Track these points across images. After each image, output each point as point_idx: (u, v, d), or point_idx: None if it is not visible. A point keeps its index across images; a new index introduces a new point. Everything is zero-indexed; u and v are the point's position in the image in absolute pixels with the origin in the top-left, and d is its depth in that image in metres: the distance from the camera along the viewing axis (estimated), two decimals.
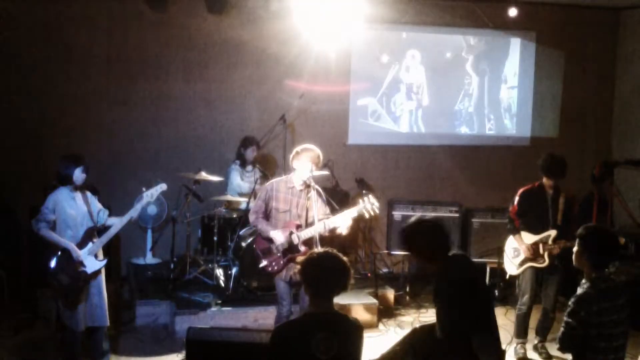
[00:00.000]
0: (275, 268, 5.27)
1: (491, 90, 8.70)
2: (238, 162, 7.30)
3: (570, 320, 3.63)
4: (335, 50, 7.67)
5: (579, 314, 3.60)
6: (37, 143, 7.19)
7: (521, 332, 5.92)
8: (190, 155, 7.71)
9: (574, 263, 3.87)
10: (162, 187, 5.16)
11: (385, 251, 7.82)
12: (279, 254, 5.24)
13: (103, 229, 5.05)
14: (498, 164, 8.70)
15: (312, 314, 3.34)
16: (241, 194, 7.16)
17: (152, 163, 7.56)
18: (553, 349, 5.59)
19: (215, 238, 6.79)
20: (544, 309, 5.95)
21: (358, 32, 7.84)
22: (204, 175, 6.84)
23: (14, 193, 7.11)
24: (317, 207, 5.16)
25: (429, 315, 6.66)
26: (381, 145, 8.42)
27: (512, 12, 7.94)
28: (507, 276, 6.25)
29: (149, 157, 7.65)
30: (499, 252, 6.47)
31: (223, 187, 7.25)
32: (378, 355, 3.18)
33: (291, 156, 5.29)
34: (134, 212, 5.02)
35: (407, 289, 7.34)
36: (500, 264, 6.44)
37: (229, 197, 7.04)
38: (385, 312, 6.88)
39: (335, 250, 3.43)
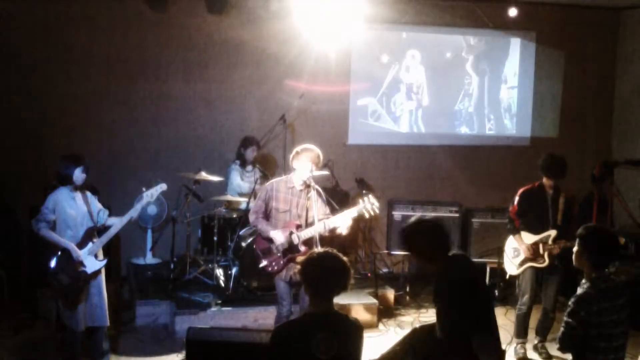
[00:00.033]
0: (275, 268, 5.27)
1: (491, 90, 8.70)
2: (238, 162, 7.31)
3: (570, 320, 3.63)
4: (335, 50, 7.66)
5: (579, 314, 3.60)
6: (37, 143, 7.19)
7: (521, 332, 5.92)
8: (190, 155, 7.71)
9: (574, 263, 3.87)
10: (162, 187, 5.16)
11: (385, 251, 7.82)
12: (279, 254, 5.25)
13: (103, 229, 5.05)
14: (498, 164, 8.70)
15: (312, 314, 3.34)
16: (241, 194, 7.17)
17: (152, 163, 7.56)
18: (553, 349, 5.59)
19: (215, 238, 6.79)
20: (544, 309, 5.95)
21: (358, 32, 7.84)
22: (204, 175, 6.84)
23: (14, 193, 7.11)
24: (317, 207, 5.16)
25: (429, 315, 6.66)
26: (381, 145, 8.42)
27: (512, 12, 7.94)
28: (507, 276, 6.25)
29: (149, 157, 7.65)
30: (499, 252, 6.47)
31: (223, 187, 7.25)
32: (378, 355, 3.18)
33: (291, 156, 5.29)
34: (134, 212, 5.02)
35: (407, 289, 7.34)
36: (500, 264, 6.44)
37: (229, 197, 7.04)
38: (385, 312, 6.88)
39: (335, 250, 3.43)
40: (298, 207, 5.27)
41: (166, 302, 6.47)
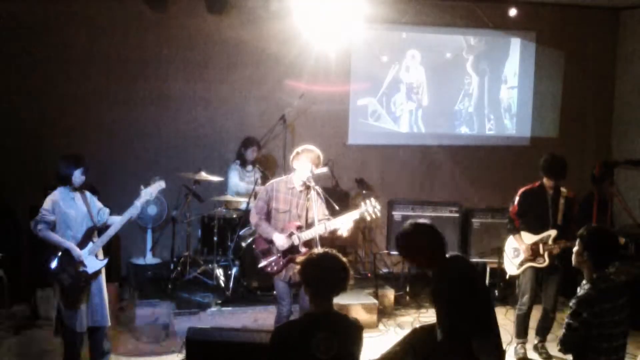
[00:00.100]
0: (275, 268, 5.27)
1: (491, 90, 8.70)
2: (238, 162, 7.31)
3: (571, 321, 3.63)
4: (335, 50, 7.66)
5: (580, 315, 3.59)
6: (37, 143, 7.19)
7: (521, 332, 5.92)
8: (190, 155, 7.71)
9: (573, 263, 3.87)
10: (161, 184, 5.15)
11: (385, 251, 7.82)
12: (278, 255, 5.24)
13: (104, 229, 5.04)
14: (498, 164, 8.70)
15: (312, 314, 3.34)
16: (238, 194, 7.16)
17: (152, 163, 7.56)
18: (553, 349, 5.59)
19: (215, 238, 6.79)
20: (544, 309, 5.95)
21: (358, 32, 7.83)
22: (204, 175, 6.84)
23: (14, 193, 7.11)
24: (317, 207, 5.16)
25: (429, 315, 6.66)
26: (381, 145, 8.42)
27: (512, 12, 7.94)
28: (507, 276, 6.25)
29: (149, 157, 7.65)
30: (499, 252, 6.47)
31: (223, 187, 7.25)
32: (378, 355, 3.18)
33: (291, 157, 5.29)
34: (133, 210, 5.00)
35: (407, 289, 7.34)
36: (500, 264, 6.44)
37: (228, 197, 7.04)
38: (385, 312, 6.88)
39: (335, 251, 3.43)
40: (298, 207, 5.27)
41: (166, 302, 6.46)
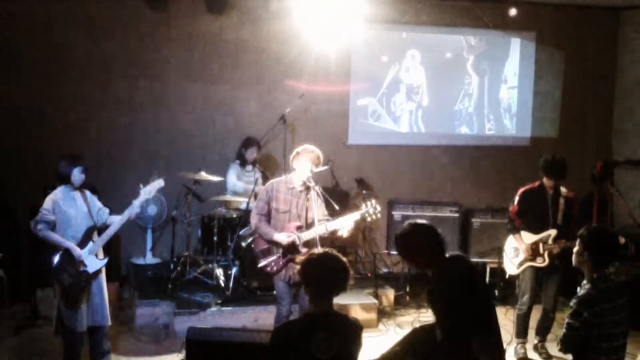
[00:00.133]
0: (275, 268, 5.27)
1: (491, 90, 8.70)
2: (238, 161, 7.31)
3: (572, 321, 3.63)
4: (335, 50, 7.66)
5: (581, 315, 3.59)
6: (37, 143, 7.19)
7: (521, 332, 5.92)
8: (190, 155, 7.71)
9: (574, 263, 3.87)
10: (160, 182, 5.14)
11: (385, 251, 7.82)
12: (278, 254, 5.24)
13: (103, 228, 5.04)
14: (498, 164, 8.70)
15: (312, 314, 3.34)
16: (235, 193, 7.16)
17: (152, 163, 7.55)
18: (553, 349, 5.59)
19: (215, 238, 6.79)
20: (544, 309, 5.95)
21: (358, 32, 7.84)
22: (204, 175, 6.84)
23: (14, 193, 7.11)
24: (316, 208, 5.16)
25: (429, 315, 6.66)
26: (381, 145, 8.42)
27: (512, 12, 7.94)
28: (507, 276, 6.25)
29: (149, 157, 7.65)
30: (499, 252, 6.46)
31: (223, 187, 7.25)
32: (378, 355, 3.18)
33: (291, 156, 5.29)
34: (132, 209, 5.00)
35: (407, 289, 7.34)
36: (500, 264, 6.44)
37: (228, 197, 7.04)
38: (385, 312, 6.89)
39: (334, 251, 3.43)
40: (298, 207, 5.27)
41: (166, 302, 6.46)
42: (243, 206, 6.93)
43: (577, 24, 8.76)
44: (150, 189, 5.08)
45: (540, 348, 5.95)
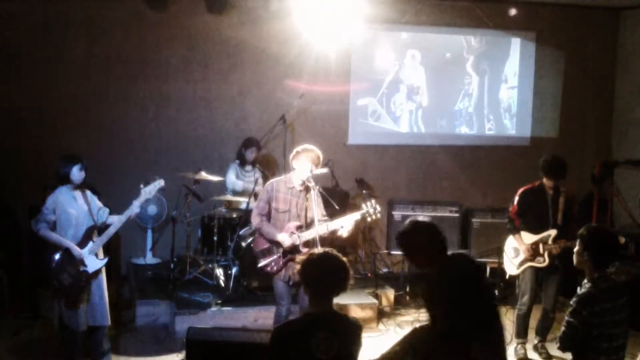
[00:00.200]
0: (275, 268, 5.27)
1: (491, 90, 8.70)
2: (238, 161, 7.31)
3: (572, 320, 3.63)
4: (335, 50, 7.67)
5: (581, 313, 3.59)
6: (37, 143, 7.19)
7: (521, 332, 5.92)
8: (190, 155, 7.72)
9: (574, 263, 3.87)
10: (160, 183, 5.14)
11: (385, 251, 7.82)
12: (278, 254, 5.24)
13: (104, 228, 5.05)
14: (498, 164, 8.70)
15: (312, 314, 3.34)
16: (235, 192, 7.17)
17: (152, 163, 7.56)
18: (553, 349, 5.59)
19: (215, 238, 6.79)
20: (544, 309, 5.94)
21: (358, 32, 7.84)
22: (204, 175, 6.84)
23: (14, 193, 7.11)
24: (316, 207, 5.16)
25: None
26: (381, 145, 8.42)
27: (512, 12, 7.94)
28: (507, 276, 6.25)
29: (149, 157, 7.65)
30: (499, 252, 6.46)
31: (223, 187, 7.25)
32: (378, 355, 3.17)
33: (291, 156, 5.29)
34: (133, 209, 5.00)
35: (407, 289, 7.34)
36: (500, 264, 6.43)
37: (228, 197, 7.04)
38: (385, 312, 6.88)
39: (334, 251, 3.43)
40: (297, 207, 5.27)
41: (166, 302, 6.47)
42: (243, 206, 6.93)
43: (577, 24, 8.76)
44: (150, 189, 5.08)
45: (540, 348, 5.95)
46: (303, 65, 7.78)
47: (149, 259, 7.50)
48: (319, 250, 3.60)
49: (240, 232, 6.71)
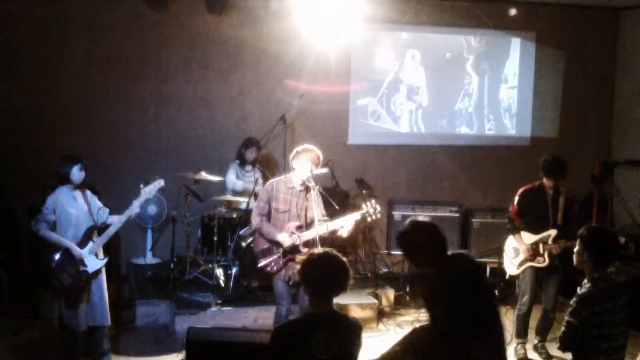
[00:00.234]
0: (275, 268, 5.27)
1: (491, 90, 8.70)
2: (237, 161, 7.31)
3: (571, 319, 3.63)
4: (335, 50, 7.67)
5: (581, 313, 3.59)
6: (37, 143, 7.19)
7: (521, 332, 5.92)
8: (190, 155, 7.72)
9: (574, 263, 3.87)
10: (160, 183, 5.14)
11: (385, 251, 7.82)
12: (278, 254, 5.24)
13: (104, 228, 5.05)
14: (498, 164, 8.70)
15: (312, 314, 3.34)
16: (234, 192, 7.17)
17: (152, 163, 7.56)
18: (553, 349, 5.59)
19: (215, 238, 6.79)
20: (544, 309, 5.94)
21: (358, 32, 7.84)
22: (204, 175, 6.84)
23: (14, 193, 7.11)
24: (316, 207, 5.16)
25: None
26: (381, 145, 8.42)
27: (512, 12, 7.94)
28: (507, 276, 6.25)
29: (149, 157, 7.65)
30: (499, 252, 6.46)
31: (223, 187, 7.25)
32: (378, 355, 3.17)
33: (291, 156, 5.29)
34: (133, 209, 5.00)
35: (407, 289, 7.34)
36: (500, 264, 6.43)
37: (229, 197, 7.04)
38: (385, 312, 6.88)
39: (334, 251, 3.43)
40: (297, 207, 5.27)
41: (166, 302, 6.47)
42: (243, 206, 6.93)
43: (577, 24, 8.76)
44: (150, 189, 5.08)
45: (540, 348, 5.95)
46: (303, 65, 7.78)
47: (149, 259, 7.50)
48: (319, 250, 3.59)
49: (240, 232, 6.71)
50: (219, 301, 6.40)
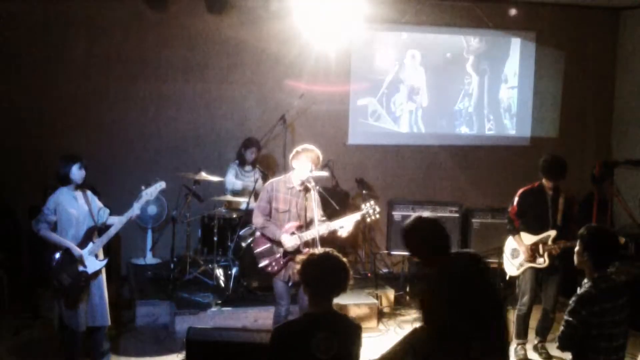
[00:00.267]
0: (275, 268, 5.27)
1: (491, 90, 8.70)
2: (237, 161, 7.31)
3: (571, 319, 3.63)
4: (335, 50, 7.66)
5: (580, 313, 3.60)
6: (37, 143, 7.19)
7: (521, 333, 5.92)
8: (190, 155, 7.72)
9: (575, 263, 3.87)
10: (161, 185, 5.15)
11: (385, 251, 7.82)
12: (278, 254, 5.24)
13: (104, 228, 5.05)
14: (498, 164, 8.70)
15: (312, 314, 3.34)
16: (234, 191, 7.17)
17: (152, 163, 7.56)
18: (553, 349, 5.59)
19: (215, 238, 6.79)
20: (544, 309, 5.94)
21: (358, 32, 7.84)
22: (204, 175, 6.84)
23: (14, 193, 7.12)
24: (316, 207, 5.16)
25: None
26: (381, 145, 8.42)
27: (512, 12, 7.93)
28: (507, 277, 6.25)
29: (149, 157, 7.65)
30: (499, 252, 6.46)
31: (223, 187, 7.25)
32: (378, 355, 3.17)
33: (291, 156, 5.29)
34: (133, 211, 5.01)
35: (407, 289, 7.34)
36: (500, 264, 6.43)
37: (229, 197, 7.04)
38: (385, 312, 6.88)
39: (334, 251, 3.43)
40: (297, 207, 5.27)
41: (166, 302, 6.47)
42: (243, 206, 6.93)
43: (577, 24, 8.75)
44: (151, 191, 5.09)
45: (540, 348, 5.95)
46: (303, 65, 7.78)
47: (149, 259, 7.49)
48: (319, 250, 3.59)
49: (240, 233, 6.71)
50: (219, 301, 6.41)
